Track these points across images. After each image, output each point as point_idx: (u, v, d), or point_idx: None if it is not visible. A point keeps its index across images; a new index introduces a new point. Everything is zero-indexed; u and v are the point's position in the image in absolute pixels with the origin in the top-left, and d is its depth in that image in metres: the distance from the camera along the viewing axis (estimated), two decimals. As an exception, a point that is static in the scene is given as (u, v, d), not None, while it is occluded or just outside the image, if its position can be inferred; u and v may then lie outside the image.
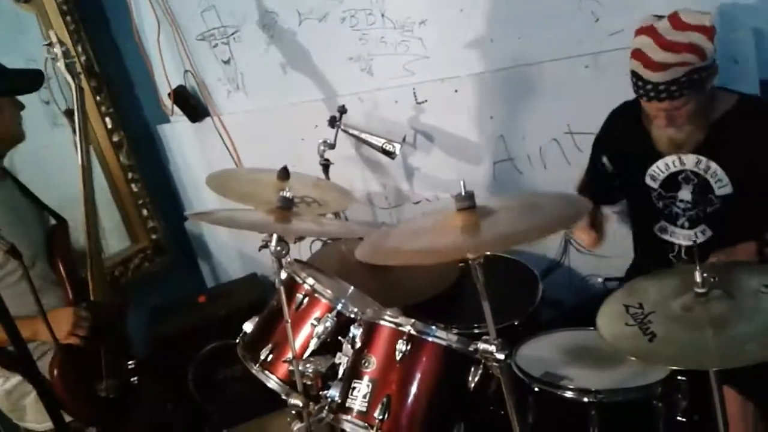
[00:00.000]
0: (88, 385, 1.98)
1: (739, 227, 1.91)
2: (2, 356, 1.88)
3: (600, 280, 2.54)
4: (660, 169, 2.00)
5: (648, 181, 2.04)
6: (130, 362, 2.13)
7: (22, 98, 2.03)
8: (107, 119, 2.91)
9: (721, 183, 1.92)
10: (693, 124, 1.86)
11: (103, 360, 2.01)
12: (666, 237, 2.07)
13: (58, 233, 2.06)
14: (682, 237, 2.03)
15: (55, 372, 1.89)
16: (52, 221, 2.12)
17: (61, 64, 2.05)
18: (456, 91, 2.65)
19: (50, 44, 2.06)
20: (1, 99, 1.95)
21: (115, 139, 2.94)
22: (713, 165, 1.91)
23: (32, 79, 2.00)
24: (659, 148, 1.96)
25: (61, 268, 2.00)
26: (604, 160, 2.14)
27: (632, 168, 2.07)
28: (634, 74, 1.82)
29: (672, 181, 2.00)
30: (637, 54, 1.80)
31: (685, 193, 1.98)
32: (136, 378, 2.12)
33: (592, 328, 1.52)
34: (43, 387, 1.57)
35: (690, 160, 1.94)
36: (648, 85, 1.78)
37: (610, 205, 2.31)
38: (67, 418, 1.89)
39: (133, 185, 3.05)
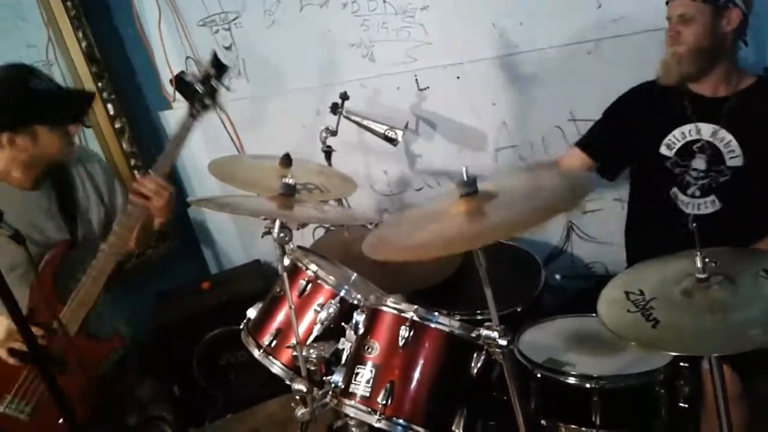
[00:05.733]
0: None
1: (748, 203, 1.97)
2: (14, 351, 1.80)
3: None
4: (676, 137, 2.05)
5: (663, 150, 2.08)
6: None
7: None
8: (109, 106, 2.90)
9: (733, 154, 1.97)
10: (691, 53, 1.93)
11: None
12: (678, 204, 2.10)
13: (59, 248, 1.95)
14: (691, 206, 2.07)
15: None
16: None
17: None
18: (458, 77, 2.64)
19: None
20: (34, 127, 1.85)
21: (117, 125, 2.93)
22: (728, 136, 1.97)
23: (77, 102, 1.98)
24: (664, 80, 2.01)
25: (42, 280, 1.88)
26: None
27: (647, 139, 2.11)
28: None
29: (687, 150, 2.04)
30: None
31: (698, 162, 2.03)
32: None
33: (594, 314, 1.53)
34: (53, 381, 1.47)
35: (706, 130, 2.00)
36: None
37: (603, 174, 2.29)
38: None
39: (135, 172, 3.05)
